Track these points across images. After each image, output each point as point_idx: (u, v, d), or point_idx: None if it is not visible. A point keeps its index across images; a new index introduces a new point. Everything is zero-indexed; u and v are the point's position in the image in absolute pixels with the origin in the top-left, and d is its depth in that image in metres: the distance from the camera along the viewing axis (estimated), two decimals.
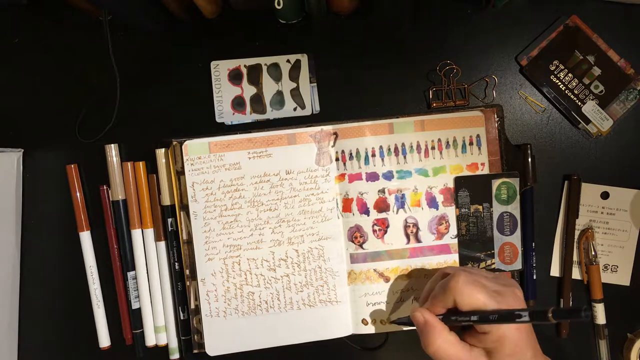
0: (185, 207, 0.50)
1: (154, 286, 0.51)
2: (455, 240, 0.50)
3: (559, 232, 0.52)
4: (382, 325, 0.50)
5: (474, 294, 0.39)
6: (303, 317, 0.50)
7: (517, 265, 0.50)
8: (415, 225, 0.50)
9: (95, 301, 0.51)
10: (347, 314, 0.50)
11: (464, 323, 0.39)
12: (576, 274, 0.52)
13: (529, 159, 0.50)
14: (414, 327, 0.42)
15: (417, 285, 0.50)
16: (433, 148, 0.50)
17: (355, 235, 0.50)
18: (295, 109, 0.52)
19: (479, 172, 0.50)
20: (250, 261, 0.50)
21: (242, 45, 0.52)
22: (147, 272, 0.51)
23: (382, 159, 0.50)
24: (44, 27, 0.52)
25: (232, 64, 0.52)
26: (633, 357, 0.51)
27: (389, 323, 0.50)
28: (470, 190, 0.50)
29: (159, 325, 0.51)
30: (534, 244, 0.51)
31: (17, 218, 0.51)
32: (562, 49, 0.51)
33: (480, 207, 0.50)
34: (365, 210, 0.50)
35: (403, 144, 0.50)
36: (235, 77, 0.52)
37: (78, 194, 0.51)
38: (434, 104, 0.51)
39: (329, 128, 0.50)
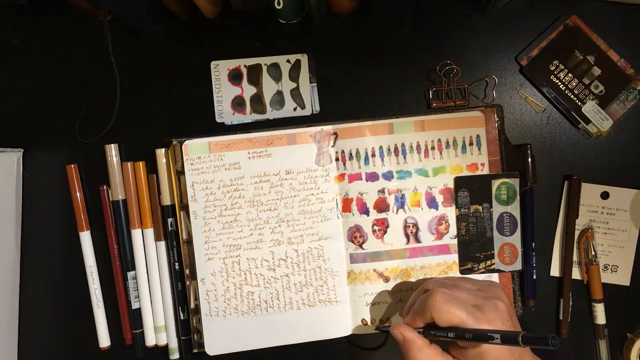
0: (185, 207, 0.50)
1: (154, 286, 0.51)
2: (455, 241, 0.50)
3: (559, 232, 0.52)
4: (382, 325, 0.50)
5: (451, 312, 0.39)
6: (303, 317, 0.50)
7: (517, 265, 0.50)
8: (415, 225, 0.50)
9: (95, 301, 0.51)
10: (347, 314, 0.50)
11: (441, 339, 0.40)
12: (576, 274, 0.52)
13: (529, 159, 0.50)
14: None
15: (416, 286, 0.50)
16: (433, 148, 0.50)
17: (355, 235, 0.50)
18: (295, 109, 0.52)
19: (478, 173, 0.50)
20: (250, 261, 0.50)
21: (242, 45, 0.52)
22: (147, 272, 0.51)
23: (382, 159, 0.50)
24: (44, 27, 0.52)
25: (232, 64, 0.52)
26: (633, 357, 0.51)
27: (374, 329, 0.50)
28: (470, 190, 0.50)
29: (159, 325, 0.51)
30: (534, 244, 0.51)
31: (17, 218, 0.51)
32: (562, 49, 0.51)
33: (480, 208, 0.50)
34: (365, 210, 0.50)
35: (403, 144, 0.50)
36: (235, 77, 0.52)
37: (78, 194, 0.51)
38: (434, 104, 0.51)
39: (329, 128, 0.50)
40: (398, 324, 0.43)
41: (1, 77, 0.52)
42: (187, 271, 0.50)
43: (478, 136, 0.50)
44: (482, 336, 0.37)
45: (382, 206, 0.50)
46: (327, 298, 0.50)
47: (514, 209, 0.50)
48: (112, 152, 0.51)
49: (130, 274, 0.51)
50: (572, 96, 0.51)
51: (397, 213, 0.50)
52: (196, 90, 0.52)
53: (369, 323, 0.50)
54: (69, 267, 0.52)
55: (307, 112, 0.52)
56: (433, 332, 0.40)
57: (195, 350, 0.50)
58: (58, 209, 0.52)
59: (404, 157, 0.50)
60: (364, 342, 0.52)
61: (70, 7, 0.50)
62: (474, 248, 0.50)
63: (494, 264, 0.50)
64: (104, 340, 0.52)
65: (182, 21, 0.51)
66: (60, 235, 0.52)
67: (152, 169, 0.51)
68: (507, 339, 0.36)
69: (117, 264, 0.51)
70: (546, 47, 0.51)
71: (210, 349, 0.50)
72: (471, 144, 0.50)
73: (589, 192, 0.52)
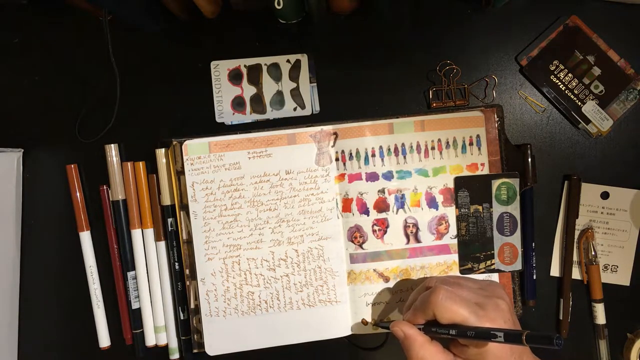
0: (185, 207, 0.50)
1: (154, 286, 0.51)
2: (455, 241, 0.50)
3: (559, 232, 0.52)
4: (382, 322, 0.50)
5: (453, 309, 0.39)
6: (303, 317, 0.50)
7: (517, 265, 0.50)
8: (415, 225, 0.50)
9: (95, 301, 0.51)
10: (347, 314, 0.50)
11: (443, 336, 0.40)
12: (576, 274, 0.52)
13: (529, 159, 0.50)
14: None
15: (416, 286, 0.50)
16: (433, 148, 0.50)
17: (355, 235, 0.50)
18: (295, 109, 0.52)
19: (479, 173, 0.50)
20: (250, 261, 0.50)
21: (242, 45, 0.52)
22: (147, 272, 0.51)
23: (382, 159, 0.50)
24: (44, 27, 0.52)
25: (232, 64, 0.52)
26: (633, 357, 0.51)
27: (373, 326, 0.50)
28: (470, 190, 0.50)
29: (159, 325, 0.51)
30: (534, 244, 0.51)
31: (17, 218, 0.51)
32: (562, 49, 0.51)
33: (480, 208, 0.50)
34: (365, 210, 0.50)
35: (403, 144, 0.50)
36: (235, 77, 0.52)
37: (78, 194, 0.51)
38: (434, 104, 0.51)
39: (329, 128, 0.50)
40: (398, 320, 0.43)
41: (1, 77, 0.52)
42: (187, 271, 0.50)
43: (478, 136, 0.50)
44: (485, 334, 0.37)
45: (382, 206, 0.50)
46: (327, 298, 0.50)
47: (514, 209, 0.50)
48: (112, 152, 0.51)
49: (130, 274, 0.51)
50: (572, 96, 0.51)
51: (397, 213, 0.50)
52: (196, 90, 0.52)
53: (369, 323, 0.50)
54: (69, 267, 0.52)
55: (307, 112, 0.52)
56: (434, 329, 0.40)
57: (195, 350, 0.50)
58: (58, 209, 0.52)
59: (404, 157, 0.50)
60: (364, 342, 0.52)
61: (70, 7, 0.50)
62: (474, 248, 0.50)
63: (494, 264, 0.50)
64: (104, 340, 0.52)
65: (182, 21, 0.51)
66: (60, 235, 0.52)
67: (152, 169, 0.51)
68: (511, 337, 0.36)
69: (117, 264, 0.51)
70: (546, 47, 0.51)
71: (211, 349, 0.50)
72: (471, 144, 0.50)
73: (589, 192, 0.52)
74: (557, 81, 0.51)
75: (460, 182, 0.50)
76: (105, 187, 0.51)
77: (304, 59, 0.52)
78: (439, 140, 0.50)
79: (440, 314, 0.39)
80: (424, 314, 0.41)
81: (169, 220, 0.51)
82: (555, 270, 0.52)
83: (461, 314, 0.39)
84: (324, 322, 0.50)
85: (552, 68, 0.51)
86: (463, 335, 0.38)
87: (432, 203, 0.50)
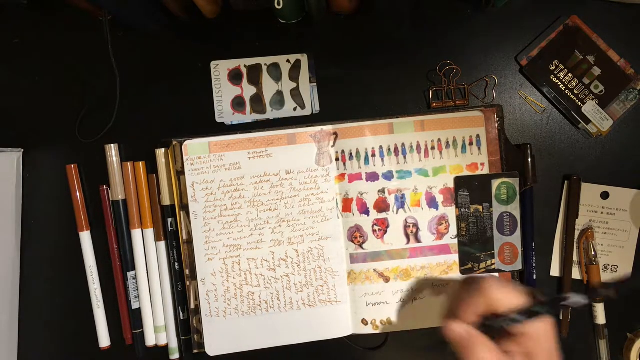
0: (185, 207, 0.50)
1: (154, 286, 0.51)
2: (455, 241, 0.50)
3: (559, 232, 0.52)
4: (382, 325, 0.50)
5: (512, 293, 0.38)
6: (303, 317, 0.50)
7: (517, 265, 0.50)
8: (415, 225, 0.50)
9: (95, 301, 0.51)
10: (347, 314, 0.50)
11: (503, 325, 0.38)
12: (576, 274, 0.52)
13: (529, 159, 0.50)
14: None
15: (416, 286, 0.50)
16: (433, 148, 0.50)
17: (355, 235, 0.50)
18: (295, 109, 0.52)
19: (479, 172, 0.50)
20: (250, 261, 0.50)
21: (242, 45, 0.52)
22: (147, 272, 0.51)
23: (382, 159, 0.50)
24: (44, 27, 0.52)
25: (232, 64, 0.52)
26: (633, 357, 0.51)
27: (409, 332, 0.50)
28: (470, 190, 0.50)
29: (159, 325, 0.51)
30: (534, 244, 0.51)
31: (17, 218, 0.51)
32: (562, 49, 0.51)
33: (480, 207, 0.50)
34: (365, 210, 0.50)
35: (403, 144, 0.50)
36: (235, 77, 0.52)
37: (78, 194, 0.51)
38: (434, 104, 0.51)
39: (329, 128, 0.50)
40: (451, 322, 0.40)
41: (1, 77, 0.52)
42: (187, 271, 0.50)
43: (478, 136, 0.50)
44: (558, 300, 0.37)
45: (382, 206, 0.50)
46: (328, 298, 0.50)
47: (514, 208, 0.50)
48: (112, 152, 0.51)
49: (130, 274, 0.51)
50: (572, 96, 0.51)
51: (397, 213, 0.50)
52: (196, 90, 0.52)
53: (370, 323, 0.50)
54: (69, 267, 0.52)
55: (307, 112, 0.52)
56: (489, 322, 0.39)
57: (195, 351, 0.50)
58: (58, 209, 0.52)
59: (404, 157, 0.50)
60: (364, 342, 0.52)
61: (70, 7, 0.50)
62: (474, 248, 0.50)
63: (494, 264, 0.50)
64: (104, 340, 0.52)
65: (182, 21, 0.51)
66: (60, 235, 0.52)
67: (152, 169, 0.51)
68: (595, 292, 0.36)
69: (117, 264, 0.51)
70: (546, 47, 0.51)
71: (211, 349, 0.50)
72: (471, 143, 0.50)
73: (589, 192, 0.52)
74: (557, 81, 0.51)
75: (460, 182, 0.50)
76: (105, 187, 0.51)
77: (304, 59, 0.52)
78: (439, 140, 0.50)
79: (498, 298, 0.38)
80: (476, 307, 0.39)
81: (169, 220, 0.51)
82: (555, 270, 0.52)
83: (518, 296, 0.38)
84: (324, 322, 0.50)
85: (552, 68, 0.51)
86: (533, 315, 0.37)
87: (432, 203, 0.50)
